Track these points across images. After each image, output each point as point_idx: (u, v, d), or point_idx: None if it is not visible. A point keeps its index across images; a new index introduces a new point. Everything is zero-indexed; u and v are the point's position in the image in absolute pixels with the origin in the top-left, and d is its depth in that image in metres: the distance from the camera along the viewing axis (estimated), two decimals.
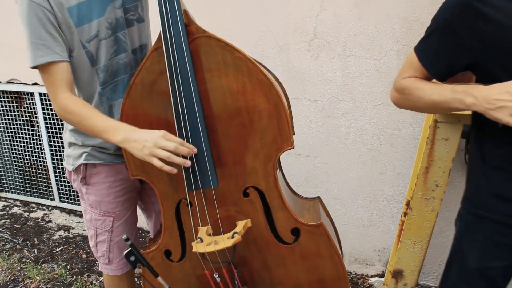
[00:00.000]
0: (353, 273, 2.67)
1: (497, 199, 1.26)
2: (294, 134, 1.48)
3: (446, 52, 1.23)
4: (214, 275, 1.46)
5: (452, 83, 1.23)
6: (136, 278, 2.07)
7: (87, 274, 2.69)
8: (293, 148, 1.43)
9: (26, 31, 1.34)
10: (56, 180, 3.31)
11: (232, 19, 2.44)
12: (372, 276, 2.65)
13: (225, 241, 1.38)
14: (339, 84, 2.34)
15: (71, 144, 1.61)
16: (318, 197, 1.73)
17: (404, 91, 1.31)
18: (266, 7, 2.35)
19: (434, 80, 1.31)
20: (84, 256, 2.84)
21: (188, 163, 1.32)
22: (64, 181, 3.30)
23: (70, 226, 3.19)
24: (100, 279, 2.62)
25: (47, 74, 1.40)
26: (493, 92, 1.11)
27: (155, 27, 1.50)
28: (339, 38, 2.28)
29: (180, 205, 1.50)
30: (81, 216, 3.27)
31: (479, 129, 1.29)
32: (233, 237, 1.39)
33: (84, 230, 3.11)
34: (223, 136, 1.41)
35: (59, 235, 3.09)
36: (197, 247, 1.39)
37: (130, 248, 1.39)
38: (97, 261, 2.71)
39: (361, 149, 2.42)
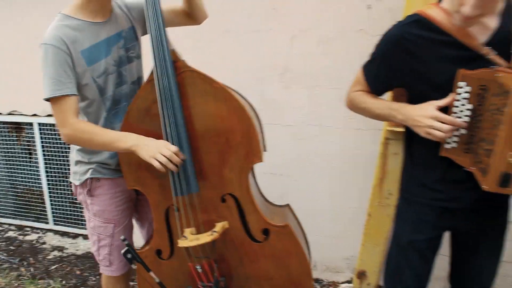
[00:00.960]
0: (325, 280, 2.94)
1: (421, 187, 1.61)
2: (265, 151, 1.79)
3: (382, 76, 1.59)
4: (197, 267, 1.74)
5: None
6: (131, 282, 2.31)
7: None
8: (262, 161, 1.74)
9: (46, 69, 1.63)
10: (51, 204, 3.55)
11: (215, 55, 2.77)
12: (342, 283, 2.92)
13: (205, 238, 1.67)
14: (307, 111, 2.67)
15: (77, 162, 1.89)
16: (288, 205, 2.03)
17: (354, 101, 1.68)
18: (245, 45, 2.70)
19: None
20: (78, 272, 3.06)
21: (176, 169, 1.64)
22: (59, 205, 3.53)
23: (64, 247, 3.41)
24: None
25: (59, 104, 1.66)
26: (413, 113, 1.47)
27: (147, 63, 1.81)
28: (306, 72, 2.62)
29: (169, 211, 1.79)
30: (73, 237, 3.50)
31: (408, 136, 1.64)
32: (212, 234, 1.68)
33: (77, 250, 3.34)
34: (204, 153, 1.72)
35: (54, 255, 3.31)
36: (183, 243, 1.68)
37: (127, 247, 1.67)
38: (90, 276, 2.97)
39: (328, 168, 2.73)
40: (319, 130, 2.68)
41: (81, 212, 3.38)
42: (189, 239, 1.68)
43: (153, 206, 1.79)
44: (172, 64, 1.65)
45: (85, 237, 3.41)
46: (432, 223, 1.64)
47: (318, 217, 2.83)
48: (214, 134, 1.70)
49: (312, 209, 2.82)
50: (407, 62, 1.49)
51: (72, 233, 3.52)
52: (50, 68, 1.63)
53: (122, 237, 1.68)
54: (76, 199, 2.03)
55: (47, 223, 3.63)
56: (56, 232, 3.61)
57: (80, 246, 3.37)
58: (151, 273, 1.71)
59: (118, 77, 1.81)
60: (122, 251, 1.67)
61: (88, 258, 3.21)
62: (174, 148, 1.62)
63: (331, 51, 2.54)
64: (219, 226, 1.73)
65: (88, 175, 1.86)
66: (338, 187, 2.75)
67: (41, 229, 3.68)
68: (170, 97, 1.64)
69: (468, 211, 1.59)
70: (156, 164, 1.58)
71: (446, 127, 1.39)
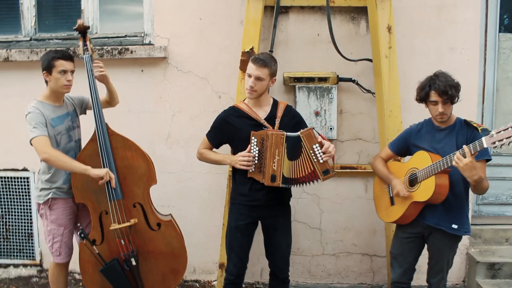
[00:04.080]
0: (202, 280, 4.13)
1: (239, 195, 2.98)
2: (156, 182, 3.18)
3: (216, 137, 3.05)
4: (121, 241, 3.02)
5: None
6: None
7: None
8: (156, 183, 3.14)
9: (32, 123, 2.87)
10: None
11: (124, 127, 3.91)
12: (214, 281, 4.13)
13: (125, 224, 3.00)
14: (184, 162, 4.08)
15: (42, 189, 3.07)
16: (170, 214, 3.40)
17: (202, 154, 3.10)
18: (142, 120, 4.07)
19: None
20: (14, 287, 4.01)
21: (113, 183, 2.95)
22: None
23: None
24: None
25: (39, 140, 2.85)
26: (232, 157, 2.92)
27: (92, 128, 3.15)
28: (182, 137, 4.06)
29: (102, 214, 3.07)
30: (5, 267, 4.31)
31: (233, 171, 3.05)
32: (128, 223, 3.01)
33: (10, 275, 4.19)
34: (124, 178, 3.06)
35: None
36: (113, 227, 2.97)
37: (81, 230, 2.92)
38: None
39: (199, 200, 4.10)
40: (192, 175, 4.09)
41: (11, 246, 4.35)
42: (116, 225, 2.99)
43: (91, 212, 3.06)
44: (106, 130, 3.03)
45: (16, 265, 4.32)
46: (246, 214, 2.90)
47: (195, 234, 4.07)
48: (129, 168, 3.07)
49: (190, 228, 4.00)
50: (228, 129, 2.98)
51: (4, 263, 4.38)
52: (33, 122, 2.88)
53: (79, 224, 2.97)
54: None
55: None
56: None
57: (12, 273, 4.25)
58: (94, 247, 2.96)
59: (68, 137, 3.11)
60: (78, 232, 2.92)
61: (20, 279, 4.14)
62: (112, 174, 2.96)
63: (197, 124, 4.00)
64: (132, 221, 3.06)
65: (49, 196, 3.06)
66: (207, 212, 4.08)
67: None
68: (106, 148, 3.01)
69: (265, 206, 2.87)
70: (106, 177, 2.88)
71: (247, 158, 2.88)
